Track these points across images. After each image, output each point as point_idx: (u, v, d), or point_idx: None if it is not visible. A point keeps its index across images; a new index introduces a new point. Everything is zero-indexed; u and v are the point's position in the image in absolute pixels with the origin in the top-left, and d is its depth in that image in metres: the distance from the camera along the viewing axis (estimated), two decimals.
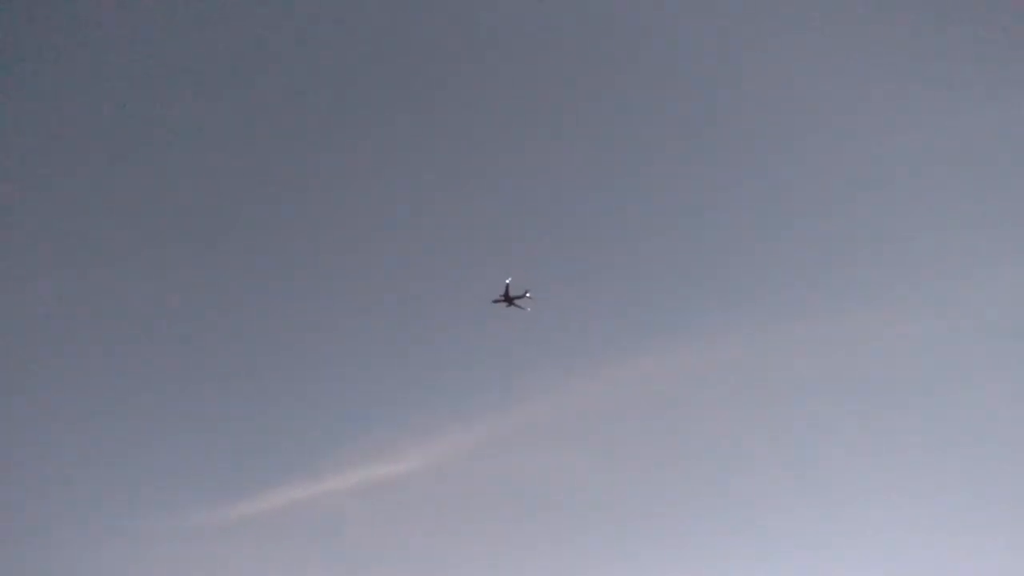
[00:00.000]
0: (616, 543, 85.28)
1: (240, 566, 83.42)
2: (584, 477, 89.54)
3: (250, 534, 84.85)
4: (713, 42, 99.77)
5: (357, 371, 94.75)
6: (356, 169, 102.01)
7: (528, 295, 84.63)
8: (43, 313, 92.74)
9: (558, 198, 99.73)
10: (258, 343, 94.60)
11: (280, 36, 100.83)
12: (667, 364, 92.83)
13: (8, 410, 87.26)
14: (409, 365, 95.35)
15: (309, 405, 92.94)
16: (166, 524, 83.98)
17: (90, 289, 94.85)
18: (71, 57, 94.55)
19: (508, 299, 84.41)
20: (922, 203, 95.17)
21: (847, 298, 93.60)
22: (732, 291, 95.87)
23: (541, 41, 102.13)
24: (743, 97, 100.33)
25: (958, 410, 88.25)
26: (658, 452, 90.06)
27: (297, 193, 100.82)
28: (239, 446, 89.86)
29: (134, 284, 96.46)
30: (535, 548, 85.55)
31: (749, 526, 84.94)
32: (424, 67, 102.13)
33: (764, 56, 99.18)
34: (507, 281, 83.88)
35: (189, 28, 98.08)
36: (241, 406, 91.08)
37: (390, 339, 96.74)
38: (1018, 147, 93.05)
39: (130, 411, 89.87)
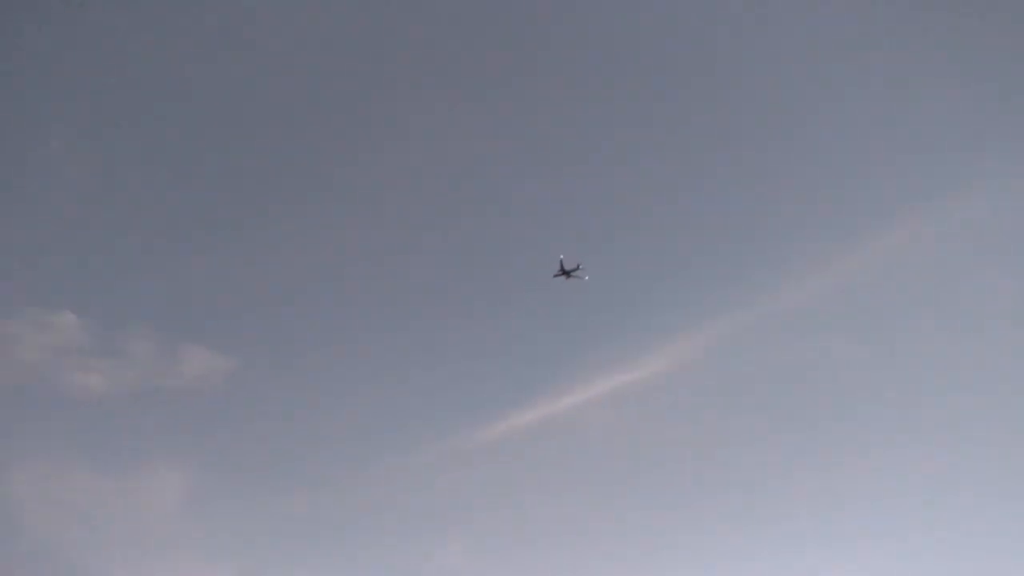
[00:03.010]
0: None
1: (503, 479, 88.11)
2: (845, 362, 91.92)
3: (508, 451, 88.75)
4: None
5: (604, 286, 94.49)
6: None
7: (580, 267, 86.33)
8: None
9: None
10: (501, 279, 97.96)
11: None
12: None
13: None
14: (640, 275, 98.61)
15: (551, 327, 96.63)
16: (436, 448, 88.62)
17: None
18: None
19: (565, 272, 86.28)
20: None
21: None
22: None
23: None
24: None
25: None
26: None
27: None
28: (494, 372, 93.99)
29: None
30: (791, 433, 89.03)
31: None
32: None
33: None
34: (560, 257, 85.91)
35: None
36: (495, 339, 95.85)
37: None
38: None
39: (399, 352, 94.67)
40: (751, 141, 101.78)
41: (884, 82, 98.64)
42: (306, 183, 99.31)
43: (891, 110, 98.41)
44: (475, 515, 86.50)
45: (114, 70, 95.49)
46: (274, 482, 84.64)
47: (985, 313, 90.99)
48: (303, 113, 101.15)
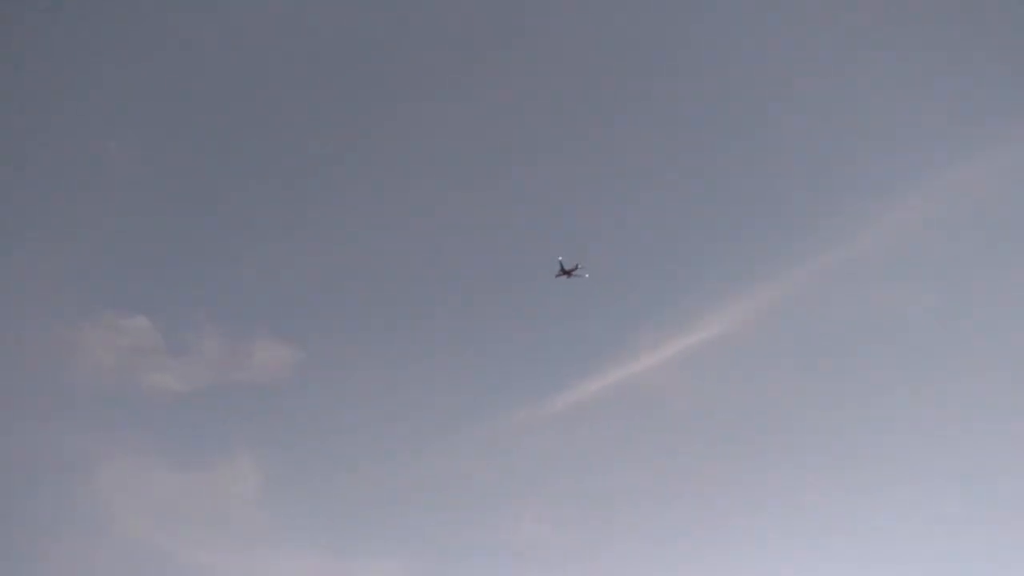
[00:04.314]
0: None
1: (577, 448, 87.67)
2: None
3: (580, 419, 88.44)
4: None
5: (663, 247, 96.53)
6: None
7: (579, 266, 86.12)
8: None
9: None
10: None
11: None
12: None
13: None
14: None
15: (617, 291, 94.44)
16: (509, 419, 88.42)
17: None
18: None
19: (565, 272, 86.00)
20: None
21: None
22: None
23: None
24: None
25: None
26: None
27: None
28: (562, 340, 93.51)
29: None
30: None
31: None
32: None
33: None
34: (559, 259, 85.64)
35: None
36: (562, 308, 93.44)
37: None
38: None
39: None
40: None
41: None
42: (360, 171, 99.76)
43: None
44: (551, 484, 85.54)
45: (167, 71, 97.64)
46: (348, 464, 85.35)
47: None
48: (368, 96, 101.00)
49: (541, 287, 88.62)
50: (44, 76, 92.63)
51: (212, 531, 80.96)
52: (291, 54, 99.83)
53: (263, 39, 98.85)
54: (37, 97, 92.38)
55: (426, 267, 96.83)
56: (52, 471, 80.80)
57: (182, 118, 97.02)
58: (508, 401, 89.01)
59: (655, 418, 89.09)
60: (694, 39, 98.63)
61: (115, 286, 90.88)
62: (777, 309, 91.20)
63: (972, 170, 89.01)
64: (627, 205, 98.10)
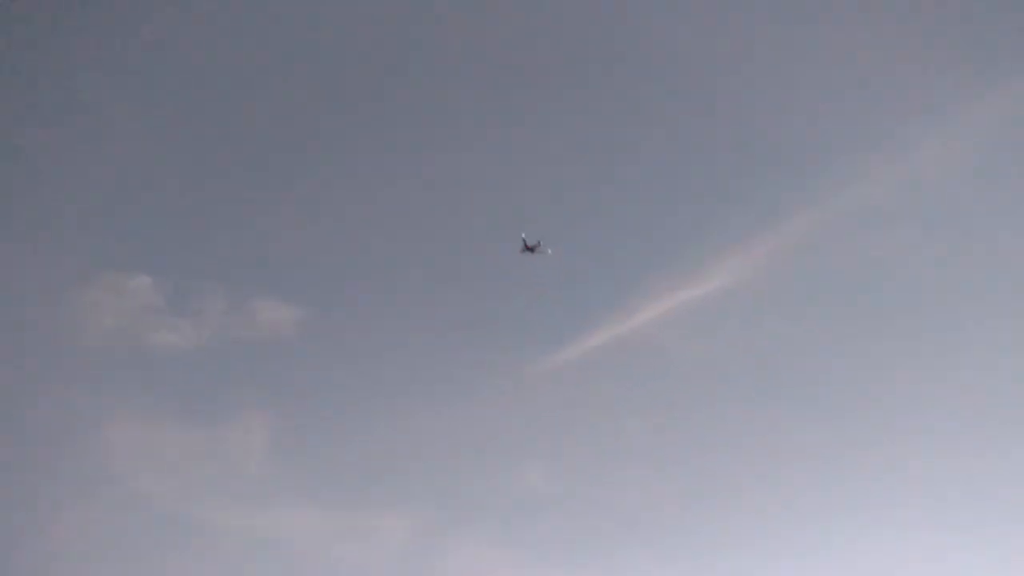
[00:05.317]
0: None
1: (577, 403, 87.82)
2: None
3: (581, 374, 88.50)
4: None
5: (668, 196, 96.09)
6: None
7: (540, 243, 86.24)
8: None
9: None
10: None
11: None
12: None
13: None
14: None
15: (612, 243, 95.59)
16: (510, 375, 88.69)
17: None
18: None
19: (528, 248, 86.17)
20: None
21: None
22: None
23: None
24: None
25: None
26: None
27: None
28: (561, 296, 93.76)
29: None
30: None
31: None
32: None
33: None
34: (523, 236, 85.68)
35: None
36: (559, 264, 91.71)
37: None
38: None
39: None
40: None
41: None
42: (364, 127, 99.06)
43: None
44: (557, 437, 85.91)
45: (169, 28, 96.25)
46: (352, 421, 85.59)
47: None
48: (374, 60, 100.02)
49: (545, 242, 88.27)
50: (44, 36, 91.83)
51: (221, 487, 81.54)
52: (295, 10, 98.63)
53: None
54: (35, 56, 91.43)
55: (430, 223, 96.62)
56: (60, 431, 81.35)
57: (184, 75, 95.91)
58: (512, 356, 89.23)
59: (659, 371, 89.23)
60: None
61: (116, 246, 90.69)
62: (779, 258, 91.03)
63: (983, 112, 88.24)
64: (626, 154, 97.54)
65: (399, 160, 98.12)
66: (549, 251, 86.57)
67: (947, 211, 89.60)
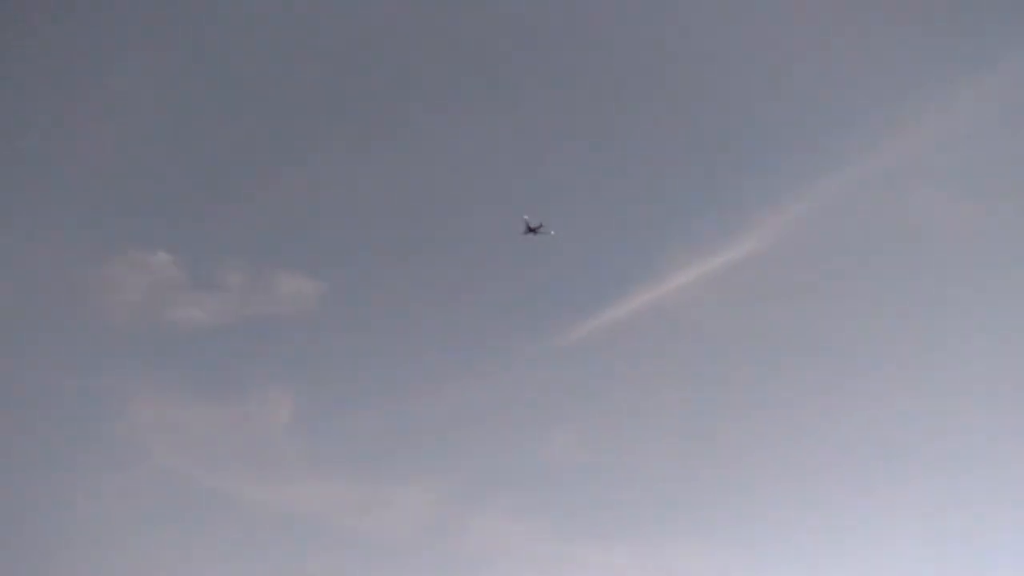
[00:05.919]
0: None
1: (605, 372, 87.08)
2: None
3: (613, 342, 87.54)
4: None
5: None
6: None
7: (543, 225, 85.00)
8: None
9: None
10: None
11: None
12: None
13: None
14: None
15: (643, 217, 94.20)
16: (537, 345, 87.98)
17: None
18: None
19: (531, 230, 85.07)
20: None
21: None
22: None
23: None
24: None
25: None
26: None
27: None
28: (589, 266, 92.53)
29: None
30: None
31: None
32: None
33: None
34: (525, 217, 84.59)
35: None
36: (585, 232, 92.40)
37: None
38: None
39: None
40: None
41: None
42: (382, 101, 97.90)
43: None
44: (581, 407, 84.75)
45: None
46: (375, 394, 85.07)
47: None
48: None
49: (567, 211, 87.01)
50: (57, 10, 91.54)
51: (244, 461, 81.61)
52: None
53: None
54: (50, 32, 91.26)
55: (453, 196, 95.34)
56: (85, 408, 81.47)
57: (206, 49, 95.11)
58: (539, 327, 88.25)
59: (688, 340, 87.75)
60: None
61: (138, 223, 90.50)
62: (808, 224, 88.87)
63: (1003, 75, 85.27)
64: (656, 125, 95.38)
65: (422, 131, 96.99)
66: (552, 232, 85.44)
67: (981, 170, 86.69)
